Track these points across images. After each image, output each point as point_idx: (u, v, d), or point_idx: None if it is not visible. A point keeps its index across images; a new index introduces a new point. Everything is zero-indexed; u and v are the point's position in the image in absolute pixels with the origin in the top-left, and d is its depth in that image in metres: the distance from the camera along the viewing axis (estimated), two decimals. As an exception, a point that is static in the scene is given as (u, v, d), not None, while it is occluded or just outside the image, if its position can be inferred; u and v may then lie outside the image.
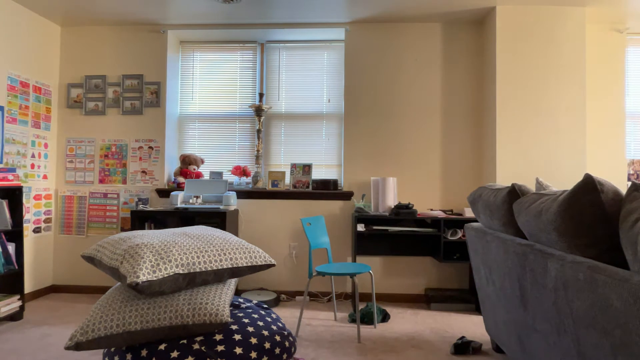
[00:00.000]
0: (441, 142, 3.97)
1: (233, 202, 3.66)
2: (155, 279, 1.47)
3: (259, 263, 1.74)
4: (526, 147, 3.61)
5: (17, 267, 3.20)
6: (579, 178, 3.59)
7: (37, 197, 3.85)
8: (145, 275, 1.45)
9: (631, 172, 4.00)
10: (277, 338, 1.65)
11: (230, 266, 1.66)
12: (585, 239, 1.43)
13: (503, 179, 3.61)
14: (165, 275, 1.50)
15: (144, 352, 1.49)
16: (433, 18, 3.89)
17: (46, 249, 3.99)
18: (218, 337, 1.55)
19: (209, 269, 1.61)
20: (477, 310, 3.55)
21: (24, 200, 3.67)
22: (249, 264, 1.71)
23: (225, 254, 1.67)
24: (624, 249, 1.24)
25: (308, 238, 3.10)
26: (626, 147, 3.95)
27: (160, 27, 4.08)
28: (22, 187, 3.28)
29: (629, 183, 1.35)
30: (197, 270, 1.58)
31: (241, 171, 4.03)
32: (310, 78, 4.20)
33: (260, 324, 1.67)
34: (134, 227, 3.62)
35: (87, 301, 3.77)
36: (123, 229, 4.04)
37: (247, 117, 4.22)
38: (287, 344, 1.67)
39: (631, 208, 1.27)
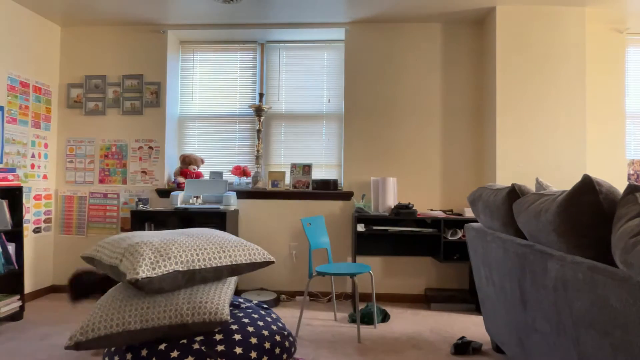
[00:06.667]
0: (441, 142, 3.97)
1: (233, 202, 3.66)
2: (154, 275, 1.47)
3: (258, 260, 1.75)
4: (526, 147, 3.61)
5: (17, 267, 3.20)
6: (579, 178, 3.59)
7: (37, 197, 3.85)
8: (144, 271, 1.46)
9: (631, 172, 4.00)
10: (277, 338, 1.65)
11: (229, 263, 1.67)
12: (584, 239, 1.43)
13: (503, 179, 3.61)
14: (165, 272, 1.50)
15: (144, 352, 1.49)
16: (433, 18, 3.89)
17: (46, 249, 3.99)
18: (218, 336, 1.55)
19: (209, 266, 1.61)
20: (477, 310, 3.55)
21: (24, 200, 3.67)
22: (248, 261, 1.72)
23: (224, 252, 1.67)
24: (613, 253, 1.24)
25: (308, 238, 3.10)
26: (626, 147, 3.95)
27: (160, 27, 4.08)
28: (22, 187, 3.28)
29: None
30: (197, 267, 1.58)
31: (241, 171, 4.03)
32: (310, 78, 4.20)
33: (260, 324, 1.67)
34: (134, 228, 3.62)
35: (87, 301, 3.76)
36: (123, 229, 4.04)
37: (247, 117, 4.22)
38: (287, 344, 1.67)
39: (622, 212, 1.26)
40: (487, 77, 3.82)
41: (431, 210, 3.87)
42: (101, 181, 4.08)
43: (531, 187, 3.62)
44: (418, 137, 3.98)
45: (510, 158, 3.61)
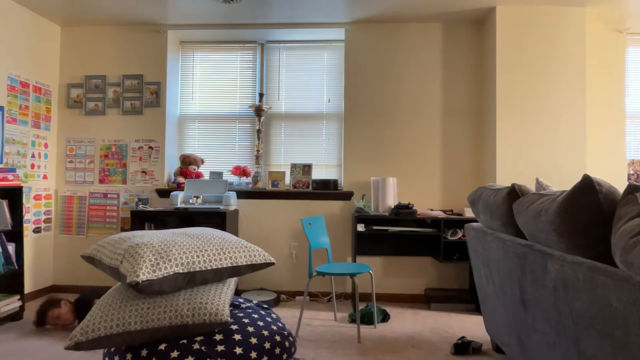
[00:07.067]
0: (441, 142, 3.97)
1: (233, 202, 3.66)
2: (155, 278, 1.47)
3: (259, 261, 1.74)
4: (526, 147, 3.61)
5: (17, 267, 3.20)
6: (579, 178, 3.59)
7: (37, 197, 3.85)
8: (145, 274, 1.46)
9: (631, 172, 4.00)
10: (277, 338, 1.65)
11: (230, 265, 1.66)
12: (584, 239, 1.43)
13: (503, 179, 3.61)
14: (165, 275, 1.50)
15: (144, 352, 1.49)
16: (433, 18, 3.89)
17: (46, 249, 3.99)
18: (218, 337, 1.55)
19: (209, 268, 1.61)
20: (477, 310, 3.55)
21: (24, 200, 3.67)
22: (249, 263, 1.71)
23: (224, 253, 1.67)
24: (612, 253, 1.24)
25: (308, 238, 3.10)
26: (626, 147, 3.95)
27: (160, 27, 4.08)
28: (22, 187, 3.28)
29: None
30: (197, 269, 1.58)
31: (241, 171, 4.03)
32: (310, 78, 4.20)
33: (261, 324, 1.67)
34: (134, 227, 3.62)
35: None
36: (123, 229, 4.04)
37: (247, 117, 4.22)
38: (287, 344, 1.67)
39: (622, 212, 1.26)
40: (487, 77, 3.82)
41: (431, 210, 3.87)
42: (101, 181, 4.08)
43: (531, 187, 3.62)
44: (418, 137, 3.98)
45: (510, 158, 3.61)
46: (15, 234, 3.24)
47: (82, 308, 2.99)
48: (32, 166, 3.78)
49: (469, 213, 3.71)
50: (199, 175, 4.00)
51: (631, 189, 1.29)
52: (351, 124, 4.00)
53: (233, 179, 4.15)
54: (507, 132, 3.61)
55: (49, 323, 2.97)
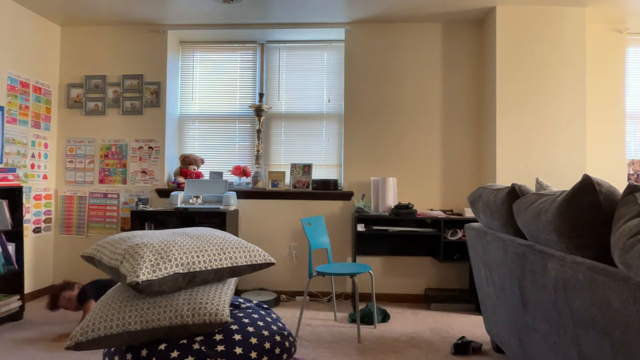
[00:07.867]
0: (441, 142, 3.97)
1: (233, 202, 3.66)
2: (155, 278, 1.47)
3: (259, 262, 1.74)
4: (526, 147, 3.61)
5: (17, 267, 3.20)
6: (578, 178, 3.59)
7: (37, 197, 3.85)
8: (145, 274, 1.46)
9: (631, 172, 4.00)
10: (277, 338, 1.65)
11: (230, 265, 1.66)
12: (584, 239, 1.43)
13: (503, 179, 3.61)
14: (165, 275, 1.50)
15: (144, 352, 1.49)
16: (433, 18, 3.89)
17: (46, 249, 3.99)
18: (218, 337, 1.55)
19: (209, 268, 1.61)
20: (477, 310, 3.55)
21: (24, 200, 3.67)
22: (249, 263, 1.71)
23: (225, 253, 1.67)
24: (612, 253, 1.24)
25: (308, 238, 3.10)
26: (626, 147, 3.95)
27: (160, 27, 4.08)
28: (22, 187, 3.28)
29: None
30: (197, 269, 1.58)
31: (241, 171, 4.03)
32: (310, 78, 4.19)
33: (261, 324, 1.67)
34: (134, 227, 3.62)
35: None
36: (123, 229, 4.04)
37: (247, 117, 4.22)
38: (287, 344, 1.67)
39: (622, 212, 1.26)
40: (487, 77, 3.82)
41: (431, 210, 3.87)
42: (101, 181, 4.08)
43: (531, 187, 3.62)
44: (418, 137, 3.98)
45: (510, 158, 3.61)
46: (15, 234, 3.23)
47: (82, 300, 3.00)
48: (32, 166, 3.78)
49: (469, 213, 3.71)
50: (199, 175, 4.00)
51: (631, 189, 1.29)
52: (351, 124, 4.00)
53: (233, 179, 4.15)
54: (507, 132, 3.61)
55: (61, 305, 2.95)
